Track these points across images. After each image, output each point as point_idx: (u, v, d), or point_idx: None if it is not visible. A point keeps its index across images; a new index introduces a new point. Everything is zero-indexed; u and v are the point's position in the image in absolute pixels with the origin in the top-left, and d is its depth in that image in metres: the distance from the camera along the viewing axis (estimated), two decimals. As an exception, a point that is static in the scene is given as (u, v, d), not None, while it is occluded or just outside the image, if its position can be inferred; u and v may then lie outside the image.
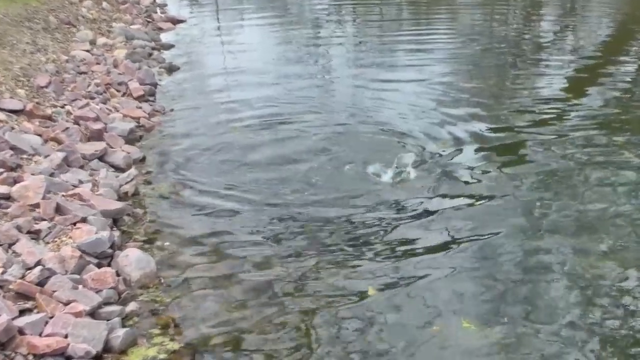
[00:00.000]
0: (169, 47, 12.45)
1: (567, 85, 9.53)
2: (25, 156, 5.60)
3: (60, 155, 5.74)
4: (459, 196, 5.64)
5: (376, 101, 8.62)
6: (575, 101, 8.66)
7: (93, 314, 3.89)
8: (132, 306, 4.08)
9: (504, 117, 7.98)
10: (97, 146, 6.32)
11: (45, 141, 6.10)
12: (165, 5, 17.51)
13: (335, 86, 9.64)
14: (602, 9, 16.07)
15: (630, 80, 9.72)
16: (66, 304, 3.85)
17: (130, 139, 6.98)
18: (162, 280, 4.40)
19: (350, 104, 8.53)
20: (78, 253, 4.30)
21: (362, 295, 4.20)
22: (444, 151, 6.73)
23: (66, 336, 3.59)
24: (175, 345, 3.70)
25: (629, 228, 5.08)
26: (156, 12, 15.90)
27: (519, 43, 12.93)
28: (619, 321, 3.92)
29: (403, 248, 4.78)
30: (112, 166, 6.20)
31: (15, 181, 4.99)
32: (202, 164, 6.52)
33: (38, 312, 3.75)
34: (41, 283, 3.97)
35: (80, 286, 4.07)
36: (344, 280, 4.36)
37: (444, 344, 3.72)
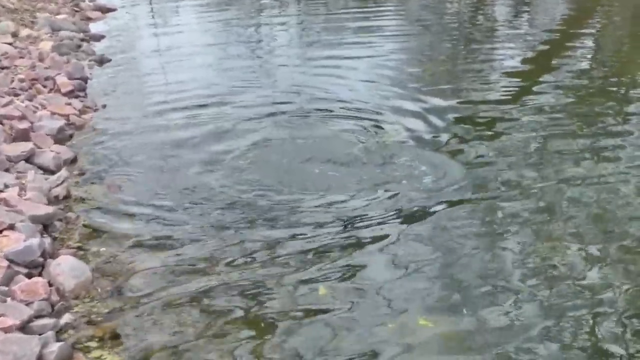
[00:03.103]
0: (100, 37, 11.98)
1: (524, 62, 9.73)
2: (-58, 160, 5.28)
3: (-17, 157, 5.43)
4: (412, 184, 5.57)
5: (323, 81, 8.57)
6: (533, 77, 8.85)
7: (24, 328, 3.67)
8: (66, 318, 3.88)
9: (457, 94, 8.04)
10: (24, 147, 6.00)
11: (-35, 143, 5.75)
12: (94, -8, 16.78)
13: (278, 67, 9.54)
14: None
15: (588, 57, 10.02)
16: (-7, 319, 3.63)
17: (60, 138, 6.66)
18: (99, 289, 4.21)
19: (295, 85, 8.45)
20: (5, 263, 4.06)
21: (313, 295, 4.12)
22: (396, 132, 6.70)
23: (-6, 354, 3.39)
24: (115, 359, 3.56)
25: (591, 207, 5.13)
26: (84, 1, 15.22)
27: (473, 20, 13.01)
28: (583, 309, 3.92)
29: (354, 244, 4.70)
30: (41, 168, 5.89)
31: None
32: (138, 163, 6.29)
33: (-38, 330, 3.51)
34: (-35, 298, 3.73)
35: (8, 299, 3.84)
36: (292, 281, 4.27)
37: (399, 344, 3.66)
